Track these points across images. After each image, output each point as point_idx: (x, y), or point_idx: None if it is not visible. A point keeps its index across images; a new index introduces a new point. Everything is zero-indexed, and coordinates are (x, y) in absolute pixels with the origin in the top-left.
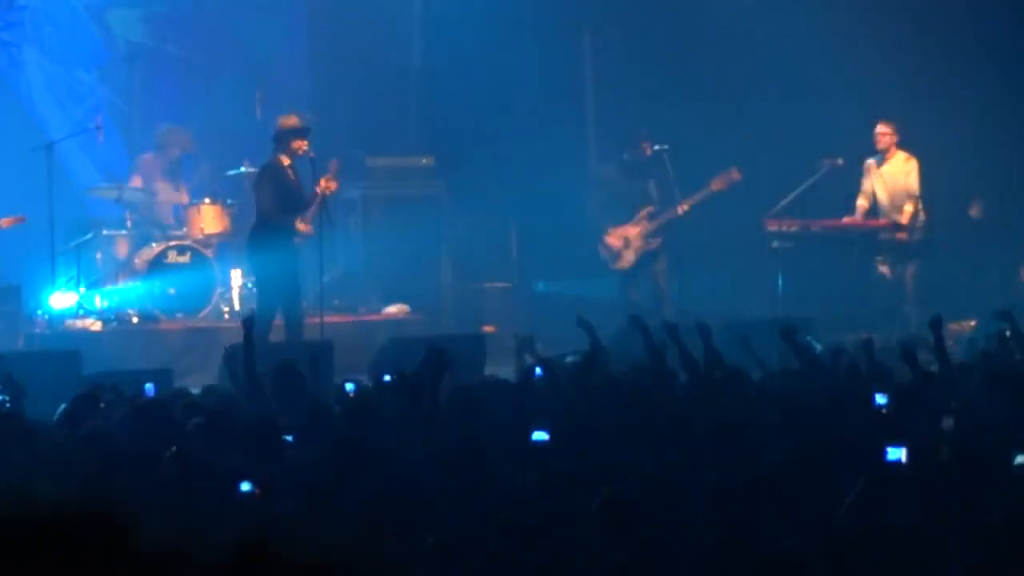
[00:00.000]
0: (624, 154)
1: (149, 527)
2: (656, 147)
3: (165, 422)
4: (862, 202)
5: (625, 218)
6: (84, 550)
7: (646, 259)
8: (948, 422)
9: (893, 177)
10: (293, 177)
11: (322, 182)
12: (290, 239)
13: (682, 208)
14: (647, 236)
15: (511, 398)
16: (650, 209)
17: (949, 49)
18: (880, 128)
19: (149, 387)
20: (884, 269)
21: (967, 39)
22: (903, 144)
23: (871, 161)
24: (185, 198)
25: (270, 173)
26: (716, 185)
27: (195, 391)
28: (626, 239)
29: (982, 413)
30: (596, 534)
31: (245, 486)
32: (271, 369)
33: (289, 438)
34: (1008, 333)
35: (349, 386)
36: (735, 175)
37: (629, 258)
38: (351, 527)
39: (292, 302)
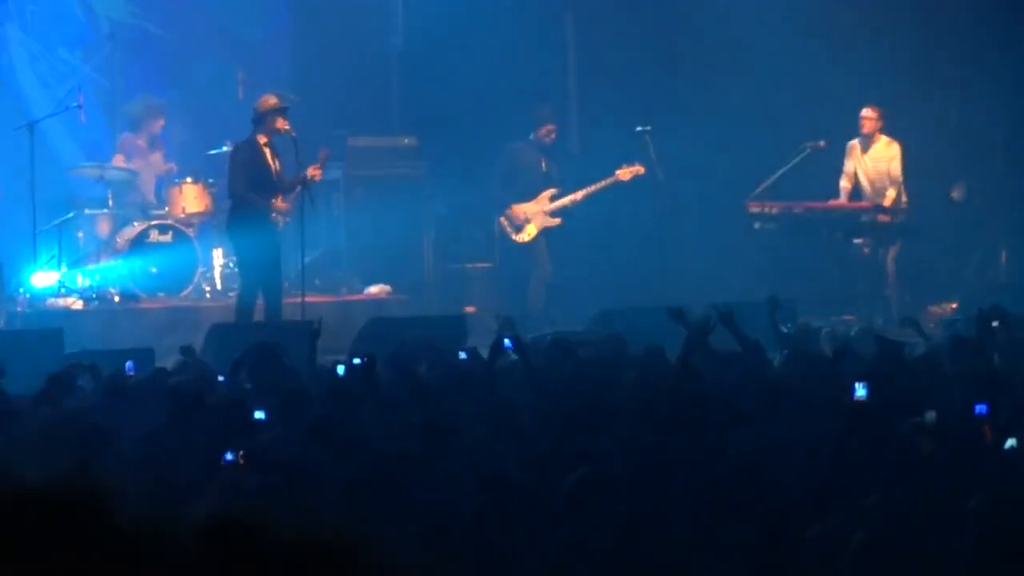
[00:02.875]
0: (530, 135)
1: (126, 504)
2: (638, 128)
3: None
4: (845, 183)
5: (527, 196)
6: (61, 528)
7: (543, 237)
8: (931, 415)
9: (876, 162)
10: (269, 156)
11: (309, 170)
12: (266, 218)
13: (583, 194)
14: (549, 214)
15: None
16: (553, 191)
17: (931, 32)
18: (865, 112)
19: (129, 365)
20: (865, 251)
21: (950, 23)
22: (887, 129)
23: (854, 142)
24: (172, 166)
25: (242, 152)
26: (621, 175)
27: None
28: (527, 215)
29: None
30: (568, 518)
31: (228, 455)
32: (249, 352)
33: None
34: (996, 324)
35: (340, 369)
36: (639, 169)
37: (531, 232)
38: (331, 506)
39: (272, 283)
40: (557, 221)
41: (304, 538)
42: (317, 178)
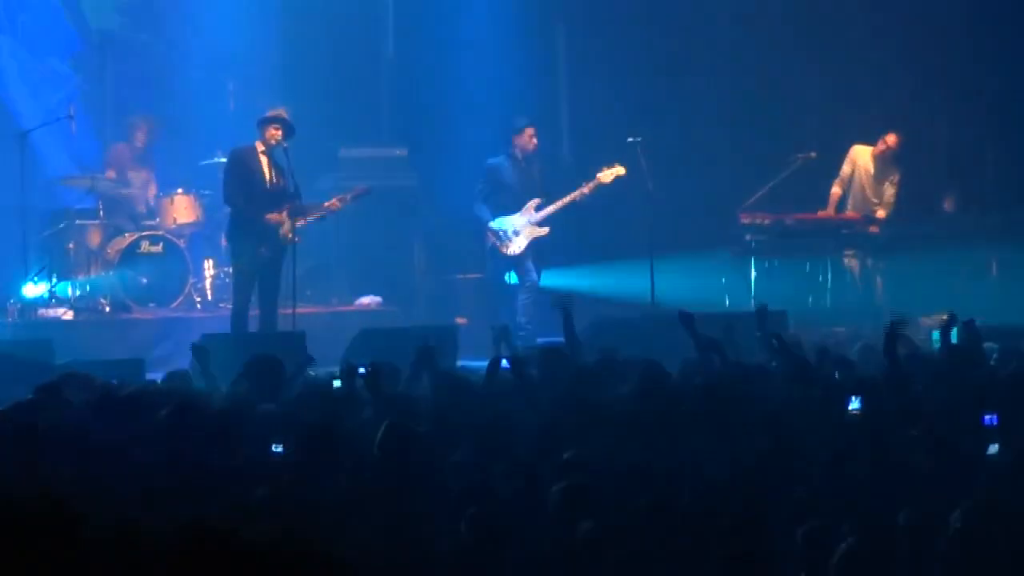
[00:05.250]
0: (509, 148)
1: (98, 514)
2: (630, 139)
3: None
4: (836, 189)
5: (512, 210)
6: (33, 538)
7: (532, 246)
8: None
9: (876, 183)
10: (265, 164)
11: (335, 200)
12: (255, 227)
13: (567, 200)
14: (536, 224)
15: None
16: (538, 201)
17: (922, 43)
18: (889, 139)
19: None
20: (855, 262)
21: (940, 34)
22: (899, 156)
23: (860, 151)
24: (153, 189)
25: (235, 156)
26: (602, 178)
27: (159, 378)
28: (515, 227)
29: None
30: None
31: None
32: (247, 361)
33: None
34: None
35: (336, 383)
36: (620, 170)
37: (520, 244)
38: (313, 515)
39: (263, 295)
40: (545, 231)
41: (277, 546)
42: (335, 208)
